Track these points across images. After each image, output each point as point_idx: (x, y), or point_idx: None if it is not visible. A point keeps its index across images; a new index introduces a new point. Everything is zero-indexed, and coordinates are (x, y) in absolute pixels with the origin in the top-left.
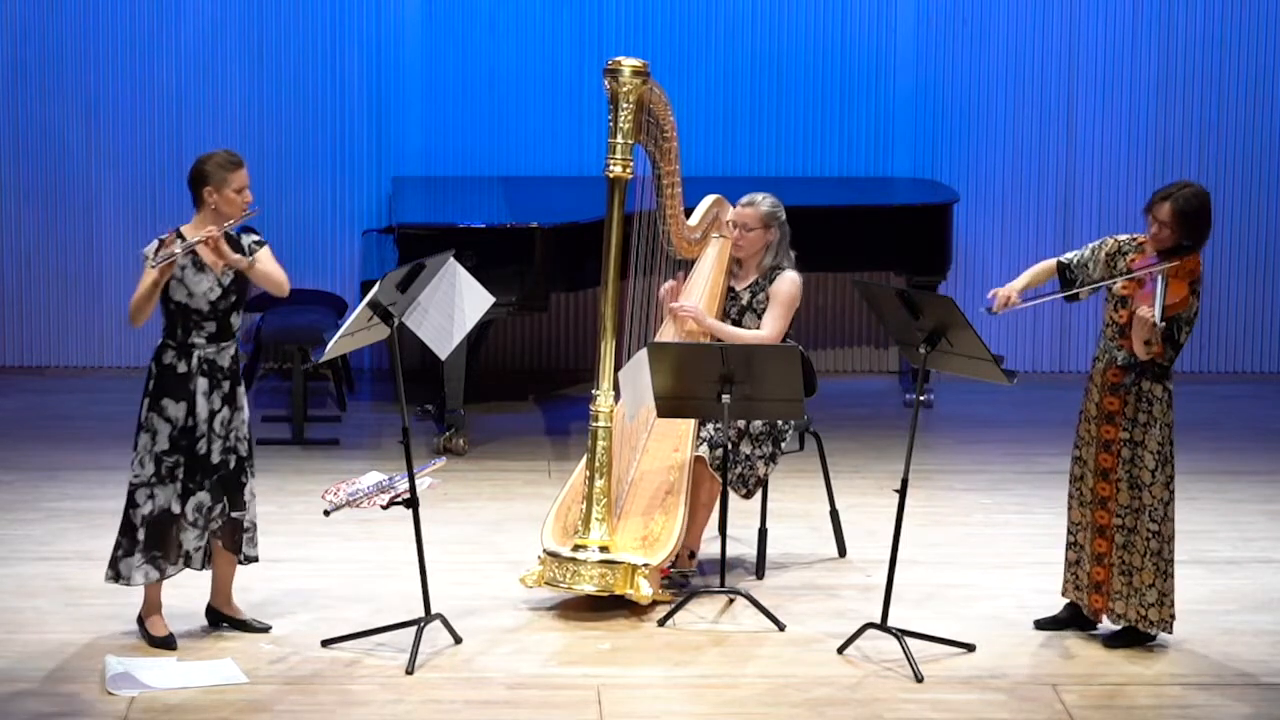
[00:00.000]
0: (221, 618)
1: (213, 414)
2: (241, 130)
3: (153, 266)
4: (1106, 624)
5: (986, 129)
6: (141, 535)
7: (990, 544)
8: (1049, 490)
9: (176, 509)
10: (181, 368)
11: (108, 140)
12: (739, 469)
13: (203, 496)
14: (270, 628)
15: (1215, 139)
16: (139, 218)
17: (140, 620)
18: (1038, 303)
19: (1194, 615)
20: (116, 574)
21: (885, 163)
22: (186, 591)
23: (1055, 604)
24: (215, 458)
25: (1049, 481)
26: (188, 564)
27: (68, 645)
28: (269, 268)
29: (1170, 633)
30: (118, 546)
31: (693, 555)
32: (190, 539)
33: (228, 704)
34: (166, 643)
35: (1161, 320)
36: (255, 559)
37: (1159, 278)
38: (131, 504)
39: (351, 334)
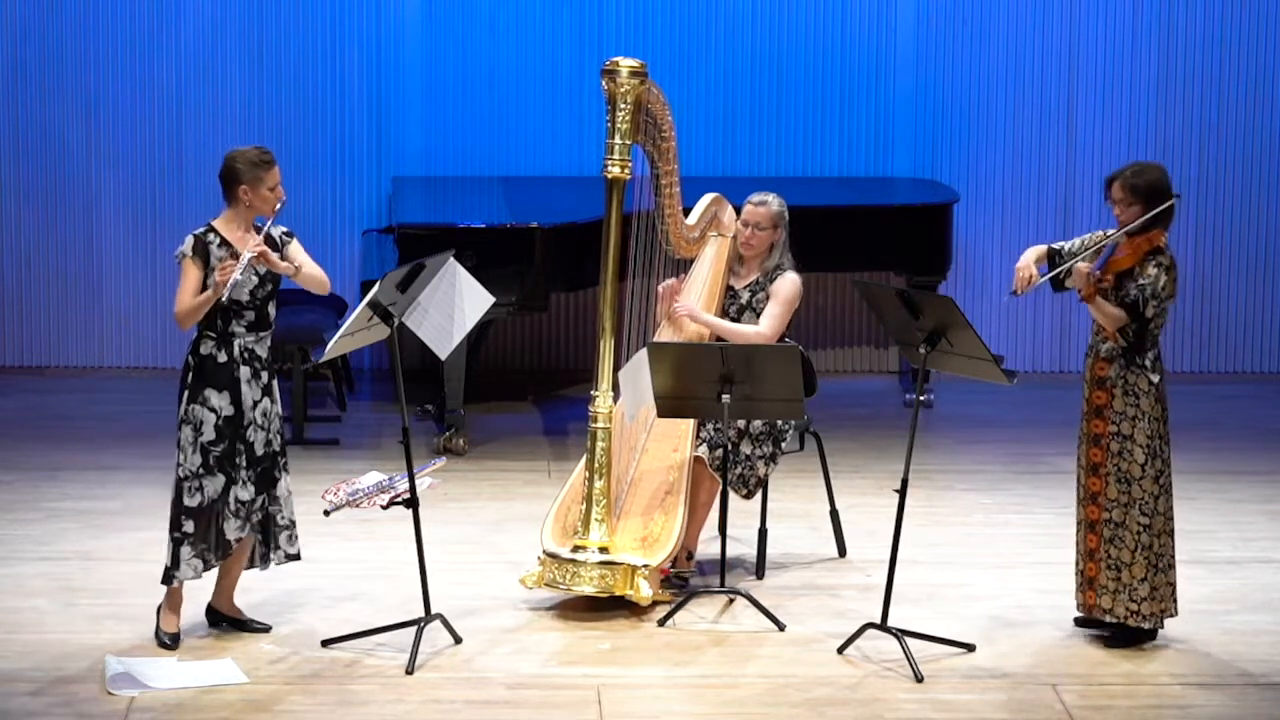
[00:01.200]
0: (221, 618)
1: (254, 404)
2: (241, 130)
3: (224, 298)
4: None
5: (986, 129)
6: (190, 527)
7: (990, 544)
8: (1049, 490)
9: (220, 499)
10: (222, 357)
11: (108, 140)
12: (739, 469)
13: (247, 488)
14: (270, 628)
15: (1215, 139)
16: (139, 218)
17: (159, 610)
18: (1050, 276)
19: (1194, 615)
20: (168, 573)
21: (885, 163)
22: (187, 590)
23: (1056, 604)
24: (259, 449)
25: (1049, 481)
26: (226, 553)
27: (68, 645)
28: (313, 270)
29: (1162, 627)
30: (170, 543)
31: (690, 556)
32: (232, 529)
33: (228, 704)
34: (172, 641)
35: (1099, 270)
36: (298, 556)
37: (1110, 243)
38: (178, 498)
39: (351, 334)
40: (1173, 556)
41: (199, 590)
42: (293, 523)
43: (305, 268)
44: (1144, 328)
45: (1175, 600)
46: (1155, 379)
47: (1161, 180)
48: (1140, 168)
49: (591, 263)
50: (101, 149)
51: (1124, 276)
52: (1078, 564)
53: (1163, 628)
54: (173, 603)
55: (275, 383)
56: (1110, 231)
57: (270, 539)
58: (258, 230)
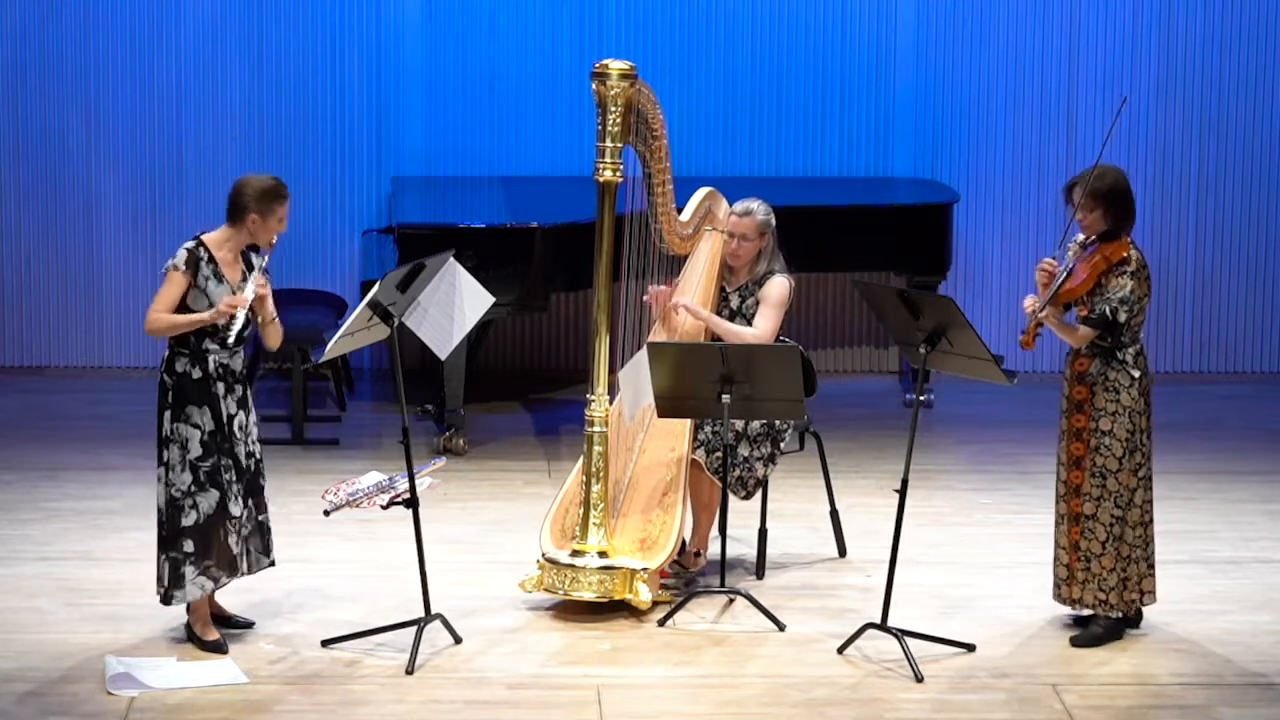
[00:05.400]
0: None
1: (230, 418)
2: (242, 130)
3: (222, 324)
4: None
5: (986, 129)
6: (190, 547)
7: (990, 544)
8: (1049, 490)
9: (221, 515)
10: (197, 374)
11: (108, 140)
12: (738, 471)
13: (238, 502)
14: (254, 623)
15: (1215, 139)
16: (139, 218)
17: (189, 628)
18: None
19: (1194, 615)
20: (169, 594)
21: (885, 163)
22: None
23: (1056, 604)
24: (243, 461)
25: (1049, 481)
26: (234, 571)
27: (68, 645)
28: (278, 324)
29: (1131, 613)
30: (166, 564)
31: (699, 554)
32: (234, 544)
33: (228, 704)
34: (218, 646)
35: (1044, 307)
36: (274, 563)
37: (1071, 263)
38: (172, 518)
39: (351, 334)
40: (1149, 549)
41: None
42: (270, 527)
43: (276, 320)
44: (1119, 334)
45: (1153, 591)
46: (1136, 374)
47: (1120, 181)
48: (1101, 171)
49: (591, 263)
50: (101, 149)
51: (1094, 290)
52: (1059, 558)
53: (1131, 613)
54: (199, 615)
55: (249, 392)
56: (1078, 239)
57: (261, 544)
58: (243, 257)
